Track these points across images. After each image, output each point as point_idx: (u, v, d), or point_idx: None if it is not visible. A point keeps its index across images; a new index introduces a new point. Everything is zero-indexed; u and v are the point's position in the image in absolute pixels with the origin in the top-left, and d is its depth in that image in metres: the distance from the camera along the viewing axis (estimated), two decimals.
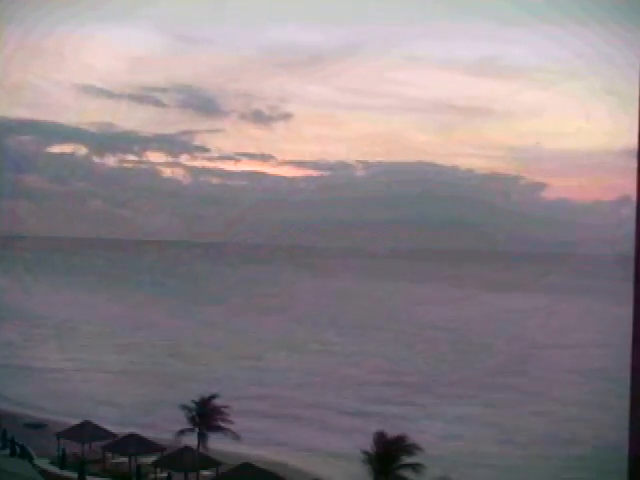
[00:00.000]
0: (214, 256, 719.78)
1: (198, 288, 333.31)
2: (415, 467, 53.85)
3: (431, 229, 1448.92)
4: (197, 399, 71.25)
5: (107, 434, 79.09)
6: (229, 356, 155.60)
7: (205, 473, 71.13)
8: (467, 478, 77.43)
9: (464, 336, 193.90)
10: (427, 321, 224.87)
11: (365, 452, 55.01)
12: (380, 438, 55.22)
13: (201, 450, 69.32)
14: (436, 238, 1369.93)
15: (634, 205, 9.90)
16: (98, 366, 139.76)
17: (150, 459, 73.56)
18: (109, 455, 76.06)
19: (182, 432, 69.30)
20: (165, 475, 69.88)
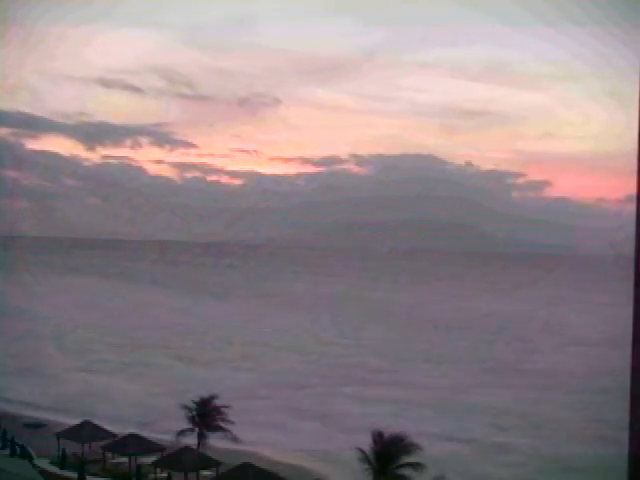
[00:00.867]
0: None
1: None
2: (414, 466, 53.82)
3: (436, 225, 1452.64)
4: (197, 399, 71.24)
5: (107, 434, 79.05)
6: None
7: (205, 473, 71.10)
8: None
9: (463, 335, 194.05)
10: (427, 319, 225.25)
11: (364, 451, 54.96)
12: (379, 437, 55.18)
13: (201, 450, 69.33)
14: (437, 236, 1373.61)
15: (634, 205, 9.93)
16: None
17: (150, 459, 73.54)
18: (109, 455, 76.02)
19: (182, 432, 69.29)
20: (165, 475, 69.85)
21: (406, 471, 54.13)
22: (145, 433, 79.06)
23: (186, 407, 70.38)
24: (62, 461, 74.87)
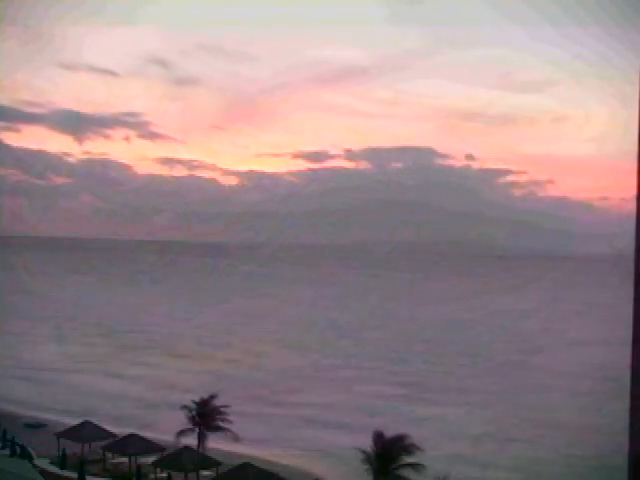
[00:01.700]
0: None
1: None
2: (415, 466, 53.78)
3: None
4: (197, 399, 71.22)
5: (107, 434, 78.97)
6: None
7: (205, 473, 71.05)
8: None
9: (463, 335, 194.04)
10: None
11: (364, 452, 54.92)
12: (379, 438, 55.15)
13: (201, 450, 69.28)
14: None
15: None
16: None
17: (150, 459, 73.51)
18: (109, 455, 75.97)
19: (182, 432, 69.24)
20: (165, 475, 69.81)
21: (406, 471, 54.07)
22: (145, 433, 78.98)
23: (186, 407, 70.33)
24: (62, 461, 74.81)
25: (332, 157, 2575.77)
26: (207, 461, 70.17)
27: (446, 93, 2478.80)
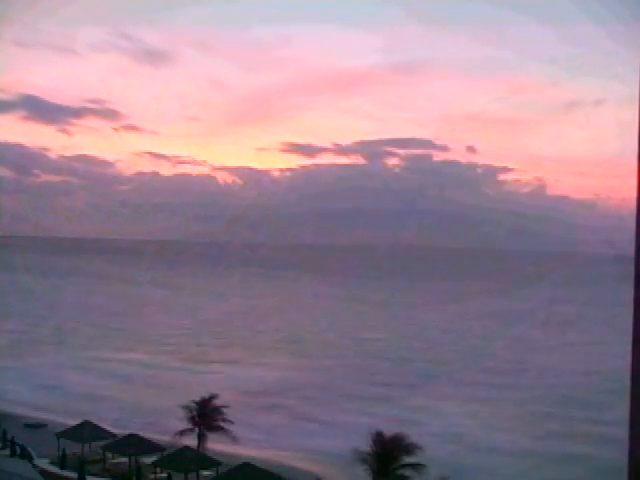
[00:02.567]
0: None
1: None
2: (415, 467, 53.69)
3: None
4: (197, 399, 71.12)
5: (107, 434, 78.95)
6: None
7: (205, 473, 71.02)
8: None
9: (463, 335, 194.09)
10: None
11: (363, 452, 54.85)
12: (378, 437, 55.07)
13: (201, 450, 69.24)
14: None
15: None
16: None
17: (150, 459, 73.51)
18: (109, 455, 75.94)
19: (182, 432, 69.18)
20: (165, 475, 69.80)
21: (406, 472, 53.99)
22: (145, 433, 78.99)
23: (186, 407, 70.25)
24: (62, 461, 74.78)
25: (324, 151, 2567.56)
26: (207, 461, 70.14)
27: (447, 94, 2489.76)
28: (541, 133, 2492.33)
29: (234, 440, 68.68)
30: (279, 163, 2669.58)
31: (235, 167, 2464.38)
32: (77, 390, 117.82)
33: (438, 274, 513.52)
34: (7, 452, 78.37)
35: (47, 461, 76.75)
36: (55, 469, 74.24)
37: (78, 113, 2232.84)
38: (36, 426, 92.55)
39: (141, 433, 77.51)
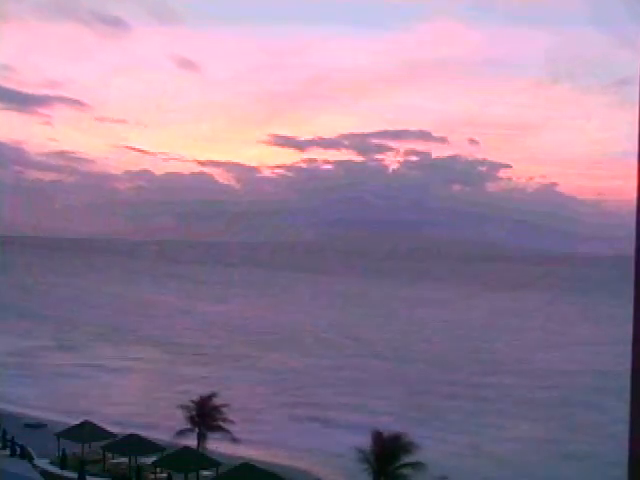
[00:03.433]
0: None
1: None
2: (414, 466, 53.72)
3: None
4: (197, 399, 71.16)
5: (107, 434, 78.92)
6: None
7: (205, 473, 71.04)
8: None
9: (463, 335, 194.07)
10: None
11: (363, 451, 54.88)
12: (378, 437, 55.11)
13: (201, 450, 69.24)
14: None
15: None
16: None
17: (150, 459, 73.51)
18: (109, 455, 75.94)
19: (182, 432, 69.18)
20: (165, 475, 69.80)
21: (406, 471, 54.03)
22: (145, 433, 78.99)
23: (186, 407, 70.26)
24: (62, 461, 74.79)
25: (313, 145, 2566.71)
26: (207, 461, 70.15)
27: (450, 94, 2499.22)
28: (541, 133, 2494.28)
29: (234, 440, 68.83)
30: (268, 157, 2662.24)
31: (224, 162, 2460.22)
32: None
33: (438, 274, 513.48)
34: (7, 452, 78.40)
35: (47, 461, 76.72)
36: (55, 469, 74.23)
37: (44, 101, 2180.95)
38: (36, 426, 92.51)
39: (141, 433, 77.52)
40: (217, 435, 70.08)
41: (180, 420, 70.24)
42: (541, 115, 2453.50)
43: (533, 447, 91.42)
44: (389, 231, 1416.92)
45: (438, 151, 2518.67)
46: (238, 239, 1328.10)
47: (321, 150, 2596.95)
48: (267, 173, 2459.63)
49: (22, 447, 79.27)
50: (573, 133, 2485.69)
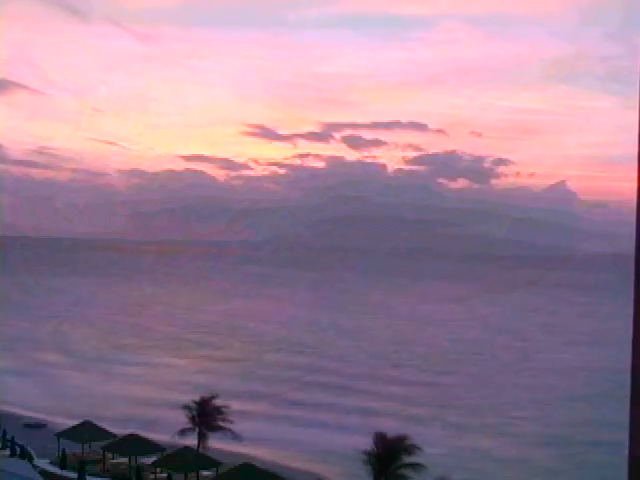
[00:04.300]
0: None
1: None
2: (415, 467, 53.63)
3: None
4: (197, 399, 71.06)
5: (107, 434, 78.89)
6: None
7: (205, 473, 71.00)
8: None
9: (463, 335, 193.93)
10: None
11: (365, 452, 54.80)
12: (380, 438, 55.02)
13: (201, 450, 69.17)
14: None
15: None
16: None
17: (150, 459, 73.46)
18: (109, 455, 75.89)
19: (182, 432, 69.11)
20: (165, 475, 69.73)
21: (407, 472, 53.93)
22: (145, 433, 78.91)
23: (186, 407, 70.18)
24: (62, 461, 74.76)
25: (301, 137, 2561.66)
26: (207, 461, 70.09)
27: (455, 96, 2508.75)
28: (542, 133, 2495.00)
29: (235, 440, 68.75)
30: (256, 151, 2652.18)
31: (211, 157, 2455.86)
32: None
33: (438, 274, 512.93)
34: (7, 452, 78.39)
35: (47, 461, 76.75)
36: (55, 469, 74.24)
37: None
38: (36, 426, 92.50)
39: (141, 433, 77.46)
40: (218, 435, 70.01)
41: None
42: (542, 116, 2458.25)
43: None
44: (389, 231, 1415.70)
45: (436, 147, 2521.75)
46: (239, 238, 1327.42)
47: (309, 143, 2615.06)
48: (259, 169, 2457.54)
49: (22, 447, 79.25)
50: (574, 134, 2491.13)
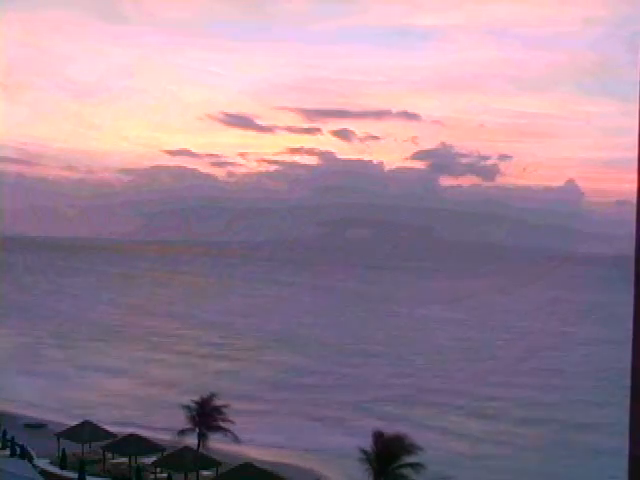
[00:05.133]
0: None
1: None
2: (414, 466, 53.57)
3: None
4: (197, 399, 71.04)
5: (107, 434, 78.89)
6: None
7: (205, 473, 71.01)
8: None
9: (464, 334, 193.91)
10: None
11: (364, 451, 54.75)
12: (379, 437, 54.98)
13: (201, 450, 69.17)
14: None
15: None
16: None
17: (150, 459, 73.47)
18: (109, 455, 75.89)
19: (182, 432, 69.09)
20: (165, 475, 69.74)
21: (406, 471, 53.90)
22: (145, 433, 78.94)
23: (186, 407, 70.15)
24: (62, 461, 74.76)
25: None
26: (207, 461, 70.11)
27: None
28: (542, 133, 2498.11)
29: (235, 440, 68.72)
30: (238, 143, 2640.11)
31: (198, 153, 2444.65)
32: None
33: (438, 274, 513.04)
34: (7, 452, 78.38)
35: (47, 461, 76.74)
36: (55, 469, 74.24)
37: None
38: (36, 426, 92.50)
39: (141, 433, 77.47)
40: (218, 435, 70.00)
41: None
42: (542, 119, 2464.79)
43: None
44: (389, 230, 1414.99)
45: (432, 144, 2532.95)
46: (239, 238, 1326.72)
47: (294, 135, 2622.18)
48: (253, 165, 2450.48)
49: (22, 447, 79.24)
50: (574, 135, 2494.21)
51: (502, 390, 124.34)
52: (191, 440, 69.28)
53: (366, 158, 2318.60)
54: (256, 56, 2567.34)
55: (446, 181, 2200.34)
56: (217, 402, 70.55)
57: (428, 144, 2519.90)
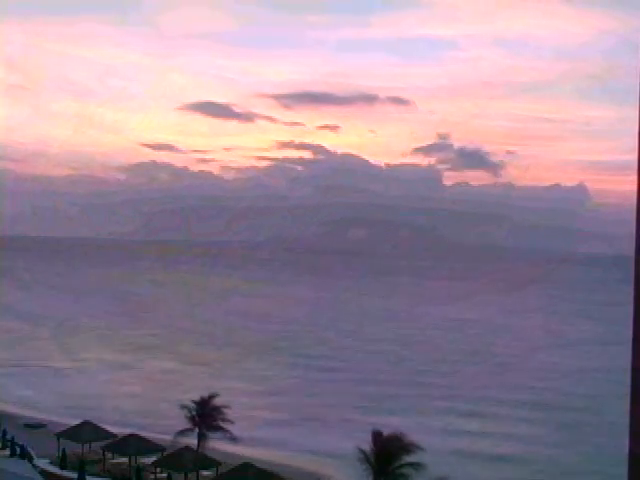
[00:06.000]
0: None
1: None
2: (414, 466, 53.54)
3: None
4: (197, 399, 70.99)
5: (107, 434, 78.86)
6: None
7: (205, 473, 70.98)
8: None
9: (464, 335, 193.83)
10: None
11: (363, 451, 54.73)
12: (378, 437, 54.95)
13: (201, 450, 69.13)
14: None
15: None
16: None
17: (150, 459, 73.43)
18: (109, 455, 75.85)
19: (182, 432, 69.05)
20: (165, 475, 69.72)
21: (406, 471, 53.87)
22: (145, 433, 78.89)
23: (186, 407, 70.11)
24: (62, 461, 74.73)
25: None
26: (207, 461, 70.07)
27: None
28: (542, 134, 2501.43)
29: (234, 440, 68.68)
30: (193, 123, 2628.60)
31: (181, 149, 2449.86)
32: None
33: (437, 274, 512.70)
34: (7, 452, 78.34)
35: (47, 461, 76.71)
36: (55, 469, 74.21)
37: None
38: (36, 426, 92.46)
39: (141, 433, 77.42)
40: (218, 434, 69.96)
41: None
42: (543, 122, 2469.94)
43: None
44: (389, 230, 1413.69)
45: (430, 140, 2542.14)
46: (239, 238, 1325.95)
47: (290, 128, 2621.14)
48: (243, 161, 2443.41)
49: (22, 447, 79.22)
50: (574, 136, 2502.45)
51: (502, 390, 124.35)
52: (191, 440, 69.27)
53: (366, 157, 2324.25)
54: (272, 65, 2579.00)
55: (448, 181, 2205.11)
56: (217, 402, 70.63)
57: (429, 143, 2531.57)
